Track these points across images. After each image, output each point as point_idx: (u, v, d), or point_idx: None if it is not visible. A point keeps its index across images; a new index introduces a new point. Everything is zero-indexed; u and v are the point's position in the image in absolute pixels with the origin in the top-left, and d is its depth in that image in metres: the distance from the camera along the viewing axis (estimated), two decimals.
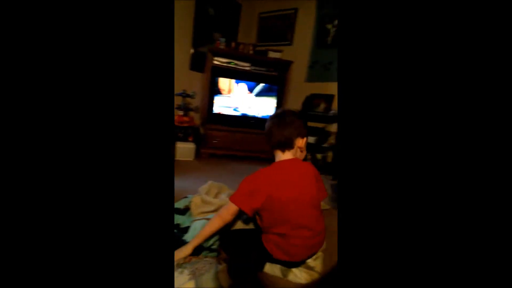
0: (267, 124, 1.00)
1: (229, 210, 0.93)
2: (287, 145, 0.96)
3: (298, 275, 0.93)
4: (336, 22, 2.94)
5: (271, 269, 0.96)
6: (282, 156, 0.97)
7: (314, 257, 0.99)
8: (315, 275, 0.95)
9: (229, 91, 2.81)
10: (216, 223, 0.95)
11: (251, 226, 1.13)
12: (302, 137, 0.97)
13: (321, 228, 0.96)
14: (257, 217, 0.99)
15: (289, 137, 0.95)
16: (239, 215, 1.03)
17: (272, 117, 1.01)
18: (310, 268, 0.96)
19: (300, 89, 3.16)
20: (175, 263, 0.88)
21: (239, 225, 1.15)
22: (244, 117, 2.89)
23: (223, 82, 2.77)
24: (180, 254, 0.91)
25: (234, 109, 2.86)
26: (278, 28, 3.38)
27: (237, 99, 2.84)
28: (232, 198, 0.92)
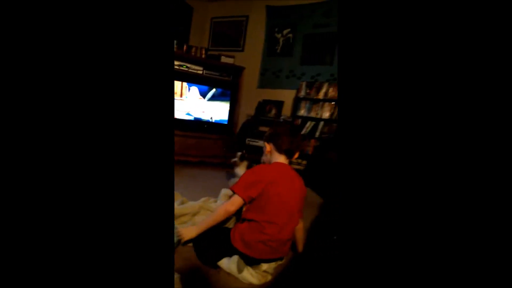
0: (280, 130, 1.11)
1: (234, 202, 1.01)
2: (291, 154, 1.09)
3: (253, 273, 0.97)
4: (285, 32, 3.11)
5: (227, 264, 0.98)
6: (284, 161, 1.10)
7: (271, 264, 1.04)
8: (269, 277, 1.00)
9: (181, 95, 2.75)
10: (220, 213, 1.02)
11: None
12: (298, 151, 1.12)
13: (288, 238, 1.05)
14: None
15: (296, 147, 1.10)
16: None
17: (286, 125, 1.18)
18: (264, 271, 1.01)
19: (253, 94, 3.26)
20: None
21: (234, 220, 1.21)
22: (197, 121, 2.86)
23: (175, 85, 2.70)
24: (188, 234, 1.00)
25: (187, 113, 2.81)
26: (231, 33, 3.43)
27: (190, 103, 2.80)
28: (235, 189, 1.01)
